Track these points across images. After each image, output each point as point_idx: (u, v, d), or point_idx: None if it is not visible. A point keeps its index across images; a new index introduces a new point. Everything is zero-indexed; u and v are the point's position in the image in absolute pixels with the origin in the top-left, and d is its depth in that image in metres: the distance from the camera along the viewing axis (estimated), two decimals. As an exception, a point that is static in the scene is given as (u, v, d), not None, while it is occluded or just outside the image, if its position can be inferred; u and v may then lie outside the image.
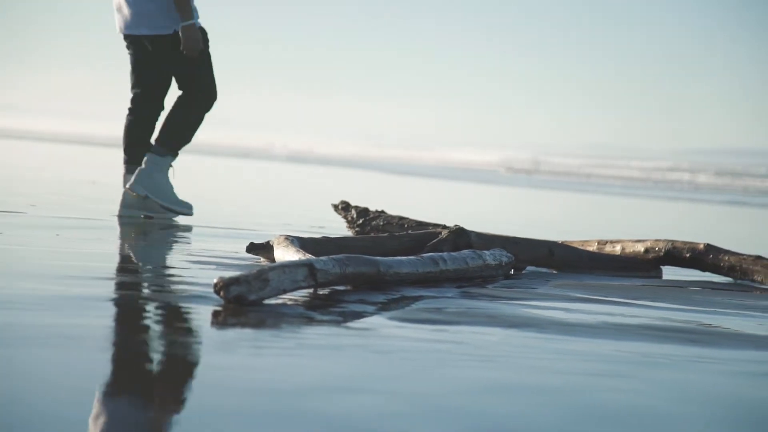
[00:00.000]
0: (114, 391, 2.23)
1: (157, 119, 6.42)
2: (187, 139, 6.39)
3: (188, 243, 5.21)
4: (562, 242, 5.17)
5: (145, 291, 3.54)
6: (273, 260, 4.33)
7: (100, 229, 5.52)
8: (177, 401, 2.21)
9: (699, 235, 5.99)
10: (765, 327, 3.66)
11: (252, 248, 4.51)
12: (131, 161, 6.36)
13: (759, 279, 4.83)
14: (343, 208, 6.13)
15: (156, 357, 2.59)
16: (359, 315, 3.38)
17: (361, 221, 5.92)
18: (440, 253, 4.35)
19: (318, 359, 2.68)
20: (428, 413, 2.24)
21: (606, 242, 5.21)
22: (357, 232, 5.91)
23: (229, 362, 2.61)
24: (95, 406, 2.08)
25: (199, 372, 2.50)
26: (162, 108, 6.43)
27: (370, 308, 3.51)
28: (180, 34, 6.13)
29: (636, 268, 5.11)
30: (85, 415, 2.01)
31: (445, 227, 5.07)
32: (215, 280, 3.29)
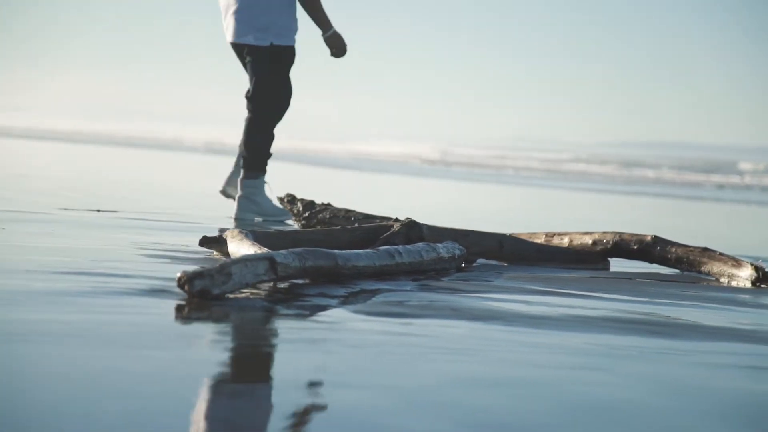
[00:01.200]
0: (88, 387, 2.19)
1: (274, 122, 6.86)
2: (267, 155, 6.86)
3: (137, 236, 5.14)
4: (511, 234, 5.20)
5: (107, 285, 3.48)
6: (226, 254, 4.29)
7: (47, 223, 5.41)
8: (160, 398, 2.18)
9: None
10: (722, 318, 3.72)
11: (205, 241, 4.46)
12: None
13: (706, 270, 4.89)
14: (289, 200, 6.09)
15: (128, 354, 2.54)
16: (323, 308, 3.37)
17: (307, 214, 5.89)
18: (396, 246, 4.35)
19: (293, 353, 2.67)
20: (414, 407, 2.24)
21: (553, 234, 5.24)
22: (303, 225, 5.89)
23: (205, 358, 2.58)
24: (68, 403, 2.05)
25: (180, 368, 2.47)
26: (280, 113, 6.88)
27: (333, 302, 3.50)
28: (325, 42, 6.72)
29: (584, 261, 5.15)
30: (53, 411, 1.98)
31: (397, 220, 5.06)
32: (179, 275, 3.25)
